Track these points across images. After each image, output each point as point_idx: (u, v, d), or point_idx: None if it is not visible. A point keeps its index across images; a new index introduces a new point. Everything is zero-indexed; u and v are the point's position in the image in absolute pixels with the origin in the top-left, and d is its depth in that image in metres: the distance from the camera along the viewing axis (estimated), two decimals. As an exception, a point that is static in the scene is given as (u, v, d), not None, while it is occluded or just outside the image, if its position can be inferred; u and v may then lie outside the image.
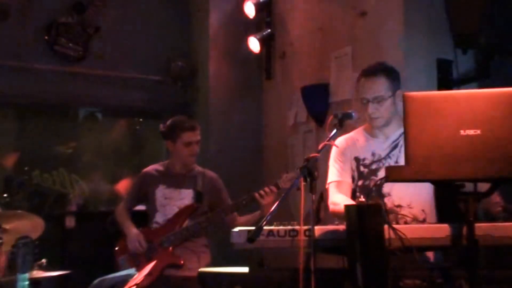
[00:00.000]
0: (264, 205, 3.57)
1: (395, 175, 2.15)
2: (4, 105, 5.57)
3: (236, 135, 5.37)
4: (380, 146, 2.96)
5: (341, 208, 2.79)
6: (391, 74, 2.94)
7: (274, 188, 3.58)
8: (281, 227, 2.38)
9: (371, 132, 3.02)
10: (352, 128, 3.18)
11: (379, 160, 2.93)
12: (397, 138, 2.93)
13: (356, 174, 2.98)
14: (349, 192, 2.97)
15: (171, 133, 3.86)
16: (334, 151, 3.03)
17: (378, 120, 2.92)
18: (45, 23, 5.23)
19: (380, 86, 2.88)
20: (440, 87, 3.67)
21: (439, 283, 2.23)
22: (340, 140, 3.03)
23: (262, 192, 3.57)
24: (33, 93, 5.33)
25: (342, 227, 2.35)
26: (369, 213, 2.19)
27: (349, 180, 2.99)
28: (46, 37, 5.24)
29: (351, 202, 2.72)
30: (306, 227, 2.34)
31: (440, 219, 2.83)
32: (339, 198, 2.88)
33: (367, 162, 2.96)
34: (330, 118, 2.72)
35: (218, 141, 5.34)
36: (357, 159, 3.00)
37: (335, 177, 3.00)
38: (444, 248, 2.36)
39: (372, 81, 2.90)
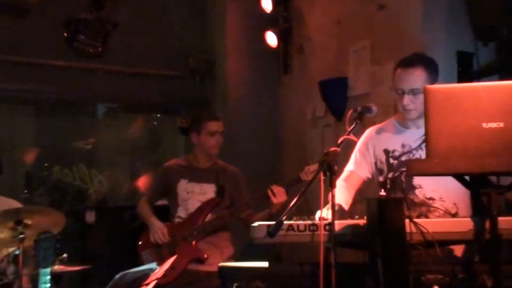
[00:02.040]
0: (274, 204, 3.55)
1: (415, 169, 2.13)
2: (24, 101, 5.63)
3: (254, 130, 5.36)
4: (411, 137, 2.91)
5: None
6: (430, 66, 2.87)
7: (283, 190, 3.56)
8: (301, 222, 2.37)
9: (403, 123, 2.97)
10: (372, 123, 3.15)
11: (410, 152, 2.89)
12: None
13: (385, 166, 2.94)
14: (357, 184, 2.99)
15: (195, 124, 3.90)
16: (360, 140, 3.01)
17: (412, 112, 2.87)
18: (64, 20, 5.27)
19: (417, 78, 2.82)
20: (461, 80, 3.63)
21: (461, 278, 2.21)
22: (369, 130, 3.01)
23: (274, 189, 3.55)
24: (53, 89, 5.38)
25: (362, 221, 2.33)
26: (390, 207, 2.17)
27: (362, 173, 3.00)
28: (65, 34, 5.28)
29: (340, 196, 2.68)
30: (326, 222, 2.33)
31: (476, 212, 2.78)
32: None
33: (396, 154, 2.93)
34: (349, 112, 2.70)
35: (236, 136, 5.33)
36: (386, 152, 2.96)
37: (350, 167, 3.02)
38: (467, 243, 2.33)
39: (409, 72, 2.83)
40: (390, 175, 2.91)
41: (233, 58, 5.45)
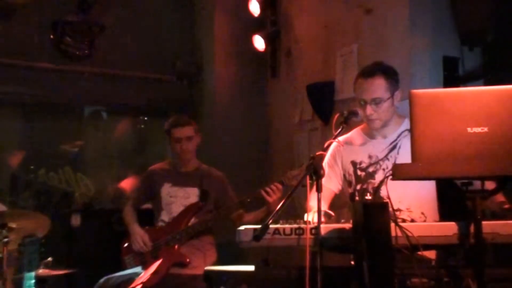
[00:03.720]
0: (271, 202, 3.56)
1: (401, 173, 2.13)
2: (10, 104, 5.58)
3: (241, 133, 5.36)
4: (378, 148, 2.93)
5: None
6: (390, 75, 2.88)
7: (279, 185, 3.57)
8: (287, 226, 2.37)
9: (368, 133, 2.98)
10: (358, 126, 3.16)
11: (376, 162, 2.90)
12: (396, 139, 2.89)
13: (353, 178, 2.96)
14: (329, 198, 2.97)
15: (166, 131, 3.92)
16: (328, 153, 3.00)
17: (376, 122, 2.88)
18: (50, 22, 5.24)
19: (378, 87, 2.83)
20: (446, 85, 3.66)
21: (446, 282, 2.22)
22: (335, 143, 3.00)
23: (268, 189, 3.56)
24: (39, 92, 5.34)
25: (348, 225, 2.34)
26: (375, 211, 2.18)
27: (333, 186, 3.00)
28: (51, 36, 5.25)
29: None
30: (312, 226, 2.33)
31: (443, 220, 2.80)
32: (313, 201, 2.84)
33: (363, 165, 2.93)
34: (335, 116, 2.70)
35: (223, 139, 5.34)
36: (353, 163, 2.97)
37: None
38: (451, 247, 2.34)
39: (370, 82, 2.84)
40: (358, 186, 2.92)
41: (221, 61, 5.45)
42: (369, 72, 2.88)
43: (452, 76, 3.70)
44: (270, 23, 5.25)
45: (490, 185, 2.14)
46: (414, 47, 3.74)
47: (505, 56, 3.62)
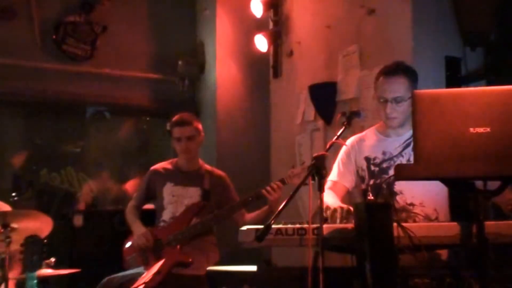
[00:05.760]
0: (272, 201, 3.57)
1: (403, 173, 2.13)
2: (12, 104, 5.59)
3: (243, 133, 5.37)
4: (392, 145, 2.94)
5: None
6: (411, 75, 2.90)
7: (280, 184, 3.57)
8: (289, 226, 2.37)
9: (383, 132, 3.00)
10: (360, 127, 3.16)
11: (390, 159, 2.91)
12: (410, 137, 2.91)
13: (366, 173, 2.96)
14: (341, 193, 2.98)
15: (168, 131, 3.93)
16: (342, 150, 3.04)
17: (395, 121, 2.89)
18: (53, 23, 5.26)
19: (400, 86, 2.84)
20: (449, 85, 3.65)
21: (448, 282, 2.22)
22: (350, 140, 3.02)
23: (269, 188, 3.57)
24: (41, 92, 5.35)
25: (350, 225, 2.34)
26: (378, 211, 2.18)
27: (346, 183, 3.01)
28: (54, 37, 5.27)
29: (337, 203, 2.70)
30: (314, 226, 2.33)
31: (454, 218, 2.80)
32: (327, 197, 2.85)
33: (377, 161, 2.95)
34: (338, 117, 2.70)
35: (226, 140, 5.34)
36: (367, 159, 2.98)
37: (333, 177, 3.03)
38: (454, 247, 2.34)
39: (392, 81, 2.86)
40: (371, 182, 2.93)
41: (223, 61, 5.45)
42: (391, 71, 2.89)
43: (455, 76, 3.70)
44: (272, 23, 5.26)
45: (493, 185, 2.14)
46: (416, 47, 3.73)
47: (508, 56, 3.61)
